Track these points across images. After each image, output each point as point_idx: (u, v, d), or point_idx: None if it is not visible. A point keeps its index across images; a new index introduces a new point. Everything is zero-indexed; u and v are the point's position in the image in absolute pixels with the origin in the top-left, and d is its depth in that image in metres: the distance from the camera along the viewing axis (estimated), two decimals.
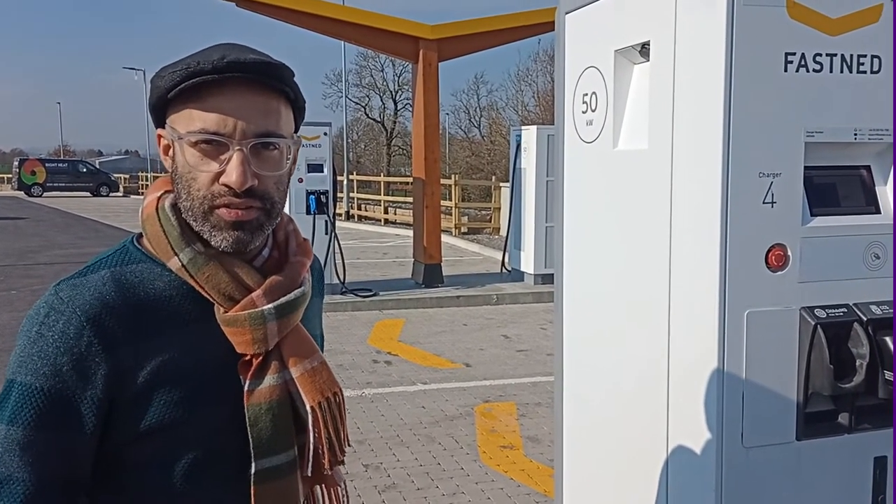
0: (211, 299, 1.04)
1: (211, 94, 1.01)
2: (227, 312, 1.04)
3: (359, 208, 23.40)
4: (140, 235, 1.10)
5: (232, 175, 1.00)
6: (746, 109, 1.64)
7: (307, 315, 1.15)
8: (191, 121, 1.02)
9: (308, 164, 9.33)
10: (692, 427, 1.77)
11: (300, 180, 9.29)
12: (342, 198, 21.80)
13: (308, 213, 9.30)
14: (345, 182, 22.31)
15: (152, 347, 1.01)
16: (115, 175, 42.04)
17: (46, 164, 39.49)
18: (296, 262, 1.11)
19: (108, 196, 38.09)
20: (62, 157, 52.27)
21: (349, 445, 1.15)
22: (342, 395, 1.12)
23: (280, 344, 1.07)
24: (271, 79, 1.04)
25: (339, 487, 1.18)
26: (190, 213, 1.04)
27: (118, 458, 1.02)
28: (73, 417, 0.98)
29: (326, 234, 9.37)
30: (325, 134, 9.46)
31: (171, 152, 1.06)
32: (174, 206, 1.06)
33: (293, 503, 1.10)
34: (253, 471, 1.05)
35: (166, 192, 1.09)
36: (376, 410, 5.49)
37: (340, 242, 9.69)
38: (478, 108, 42.74)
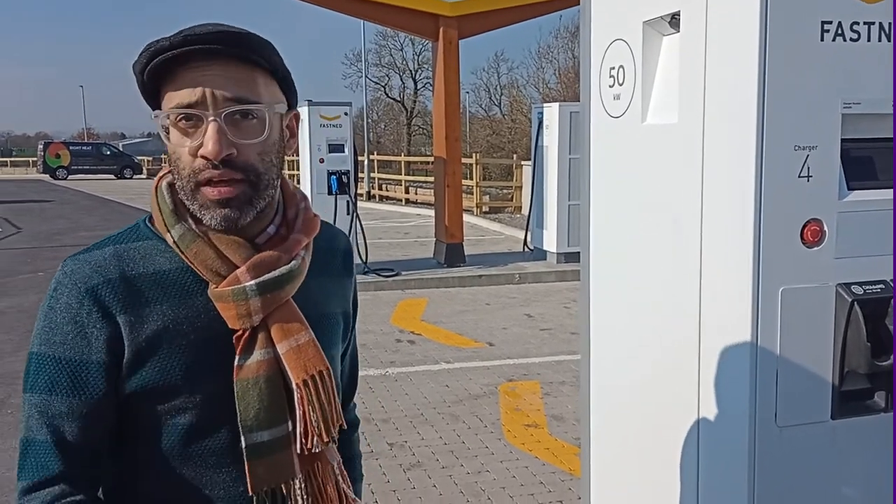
0: (201, 275, 1.08)
1: (180, 70, 1.02)
2: (216, 287, 1.08)
3: (380, 188, 23.40)
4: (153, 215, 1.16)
5: (208, 145, 1.02)
6: (781, 80, 1.59)
7: (320, 293, 1.17)
8: (168, 100, 1.04)
9: (329, 145, 9.32)
10: (724, 406, 1.74)
11: (321, 161, 9.30)
12: (363, 178, 21.80)
13: (329, 193, 9.32)
14: (365, 162, 22.30)
15: (149, 316, 1.06)
16: (139, 157, 42.40)
17: (70, 147, 39.92)
18: (292, 239, 1.13)
19: (131, 178, 38.45)
20: (86, 140, 52.76)
21: (340, 426, 1.13)
22: (329, 373, 1.11)
23: (267, 319, 1.08)
24: (235, 48, 1.03)
25: (331, 466, 1.17)
26: (182, 193, 1.07)
27: (124, 420, 1.09)
28: (81, 381, 1.05)
29: (348, 214, 9.38)
30: (346, 114, 9.44)
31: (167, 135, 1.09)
32: (171, 185, 1.11)
33: (287, 478, 1.10)
34: (243, 445, 1.07)
35: (168, 171, 1.13)
36: (400, 389, 5.51)
37: (362, 222, 9.70)
38: (498, 87, 42.39)
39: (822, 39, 1.60)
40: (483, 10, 10.21)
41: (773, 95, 1.59)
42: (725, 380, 1.73)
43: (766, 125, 1.59)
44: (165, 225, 1.09)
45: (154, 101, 1.08)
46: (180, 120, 1.04)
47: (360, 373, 5.86)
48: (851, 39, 1.62)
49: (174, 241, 1.08)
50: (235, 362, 1.07)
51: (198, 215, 1.07)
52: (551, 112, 10.16)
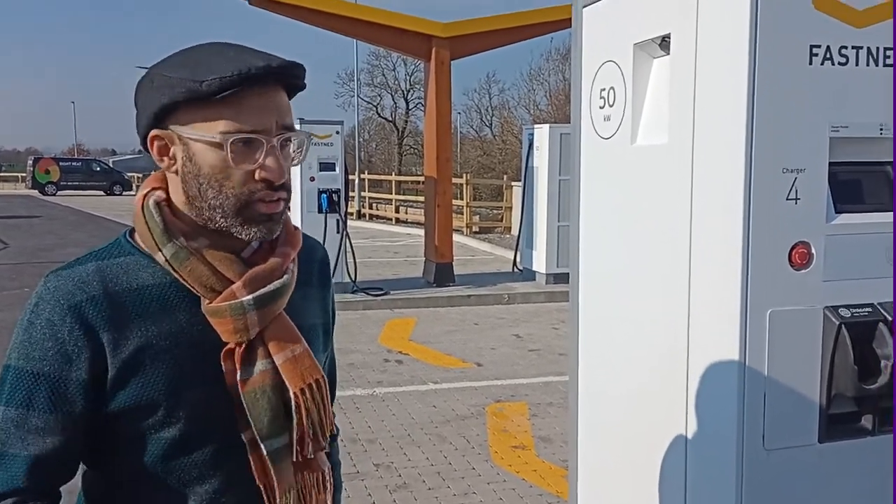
0: (195, 291, 1.10)
1: (250, 95, 1.05)
2: (210, 303, 1.09)
3: (370, 207, 23.41)
4: (133, 230, 1.16)
5: (273, 170, 1.07)
6: (770, 103, 1.60)
7: (303, 304, 1.20)
8: (227, 123, 1.05)
9: (320, 163, 9.32)
10: (711, 428, 1.73)
11: (312, 179, 9.29)
12: (354, 197, 21.80)
13: (320, 211, 9.30)
14: (356, 181, 22.32)
15: (132, 333, 1.07)
16: (129, 174, 42.20)
17: (60, 163, 39.72)
18: (279, 253, 1.15)
19: (121, 195, 38.26)
20: (76, 156, 52.60)
21: (333, 432, 1.19)
22: (325, 381, 1.15)
23: (263, 333, 1.11)
24: (299, 79, 1.11)
25: (321, 473, 1.20)
26: (217, 210, 1.08)
27: (106, 435, 1.10)
28: (59, 398, 1.05)
29: (338, 232, 9.36)
30: (337, 133, 9.45)
31: (172, 153, 1.09)
32: (157, 204, 1.11)
33: (293, 484, 1.15)
34: (265, 452, 1.10)
35: (152, 189, 1.13)
36: (387, 410, 5.47)
37: (352, 241, 9.68)
38: (489, 108, 42.67)
39: (810, 63, 1.62)
40: (475, 32, 10.29)
41: (762, 118, 1.60)
42: (713, 402, 1.72)
43: (755, 147, 1.60)
44: (156, 243, 1.09)
45: (163, 116, 1.08)
46: (238, 142, 1.06)
47: (348, 392, 5.84)
48: (840, 63, 1.64)
49: (166, 260, 1.09)
50: (238, 376, 1.09)
51: (234, 230, 1.09)
52: (542, 133, 10.22)
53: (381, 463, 4.49)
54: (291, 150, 1.13)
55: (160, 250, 1.09)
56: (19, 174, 50.79)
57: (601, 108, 2.07)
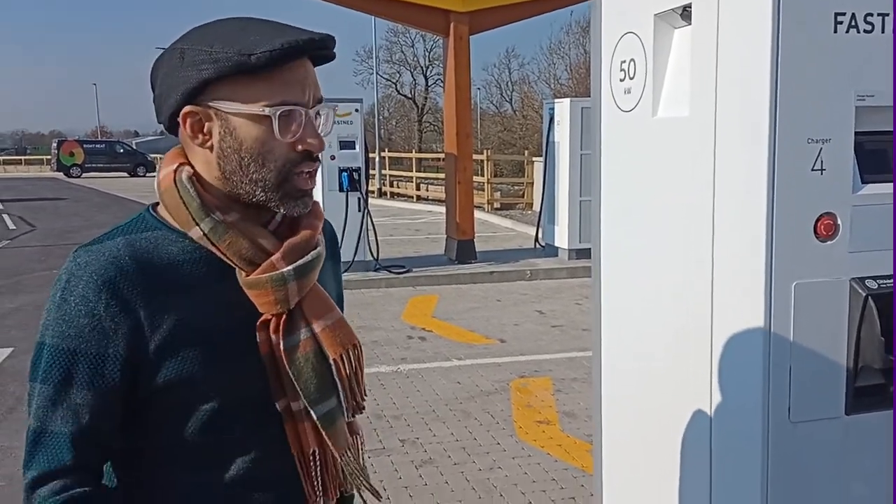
0: (232, 264, 1.10)
1: (291, 68, 1.07)
2: (248, 276, 1.10)
3: (391, 185, 23.41)
4: (156, 204, 1.16)
5: (314, 140, 1.09)
6: (794, 72, 1.57)
7: (322, 277, 1.21)
8: (269, 94, 1.06)
9: (340, 141, 9.32)
10: (737, 401, 1.73)
11: (332, 157, 9.30)
12: (374, 175, 21.81)
13: (341, 190, 9.32)
14: (376, 159, 22.31)
15: (167, 307, 1.07)
16: (152, 155, 42.56)
17: (84, 146, 40.20)
18: (308, 225, 1.16)
19: (144, 176, 38.63)
20: (99, 138, 53.13)
21: (365, 396, 1.22)
22: (360, 348, 1.19)
23: (300, 302, 1.13)
24: (332, 51, 1.13)
25: (357, 436, 1.25)
26: (259, 185, 1.09)
27: (144, 410, 1.10)
28: (98, 374, 1.05)
29: (359, 210, 9.38)
30: (357, 111, 9.44)
31: (208, 128, 1.08)
32: (191, 178, 1.11)
33: (346, 446, 1.19)
34: (315, 417, 1.13)
35: (181, 164, 1.12)
36: (412, 386, 5.51)
37: (373, 219, 9.71)
38: (509, 83, 42.29)
39: (835, 31, 1.59)
40: (494, 6, 10.18)
41: (786, 87, 1.57)
42: (738, 375, 1.72)
43: (779, 118, 1.58)
44: (193, 218, 1.09)
45: (199, 91, 1.07)
46: (282, 115, 1.07)
47: (372, 369, 5.90)
48: (865, 31, 1.60)
49: (204, 234, 1.09)
50: (282, 345, 1.11)
51: (272, 205, 1.10)
52: (562, 108, 10.13)
53: (407, 439, 4.53)
54: (321, 123, 1.14)
55: (197, 225, 1.09)
56: (44, 157, 51.42)
57: (621, 80, 2.04)
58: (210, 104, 1.07)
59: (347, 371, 1.15)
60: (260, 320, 1.12)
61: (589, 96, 2.29)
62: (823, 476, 1.70)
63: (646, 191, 2.00)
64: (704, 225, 1.76)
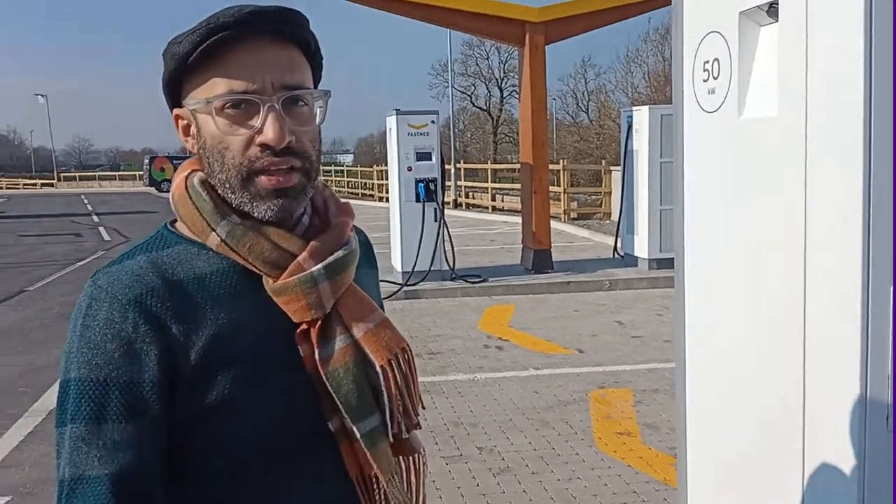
0: (257, 270, 1.00)
1: (233, 52, 0.96)
2: (275, 282, 0.99)
3: (466, 196, 23.50)
4: (174, 220, 1.07)
5: (269, 133, 0.96)
6: (889, 67, 1.50)
7: (361, 285, 1.08)
8: (215, 86, 0.97)
9: (416, 153, 9.44)
10: (832, 410, 1.66)
11: (409, 169, 9.42)
12: (450, 186, 21.95)
13: (417, 200, 9.43)
14: (452, 171, 22.45)
15: (201, 325, 0.97)
16: None
17: (174, 161, 41.90)
18: (338, 223, 1.06)
19: None
20: (188, 154, 55.21)
21: (423, 407, 1.09)
22: (411, 351, 1.06)
23: (337, 306, 1.01)
24: (293, 26, 1.00)
25: (418, 455, 1.11)
26: (227, 186, 1.00)
27: (181, 443, 0.98)
28: (134, 404, 0.93)
29: (435, 221, 9.46)
30: (433, 122, 9.54)
31: (192, 130, 1.03)
32: (204, 182, 1.02)
33: (392, 468, 1.06)
34: (359, 435, 1.01)
35: (193, 170, 1.05)
36: (489, 394, 5.50)
37: (449, 229, 9.77)
38: (585, 92, 41.99)
39: None
40: (569, 15, 10.12)
41: (881, 83, 1.50)
42: (834, 383, 1.65)
43: (874, 116, 1.51)
44: (209, 224, 1.00)
45: (177, 90, 1.02)
46: (229, 107, 0.97)
47: (450, 377, 5.96)
48: None
49: (221, 240, 0.99)
50: (317, 355, 1.00)
51: (246, 208, 0.99)
52: (641, 115, 9.96)
53: (485, 447, 4.52)
54: (307, 113, 1.01)
55: (214, 230, 0.99)
56: (137, 172, 53.93)
57: (705, 81, 2.00)
58: (185, 103, 1.02)
59: (398, 379, 1.03)
60: (299, 331, 1.00)
61: (668, 104, 2.25)
62: None
63: (732, 194, 1.94)
64: (796, 229, 1.70)
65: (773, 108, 1.75)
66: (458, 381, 5.82)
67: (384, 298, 7.16)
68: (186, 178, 1.04)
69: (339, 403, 1.00)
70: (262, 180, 0.98)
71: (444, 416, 5.07)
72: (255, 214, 1.00)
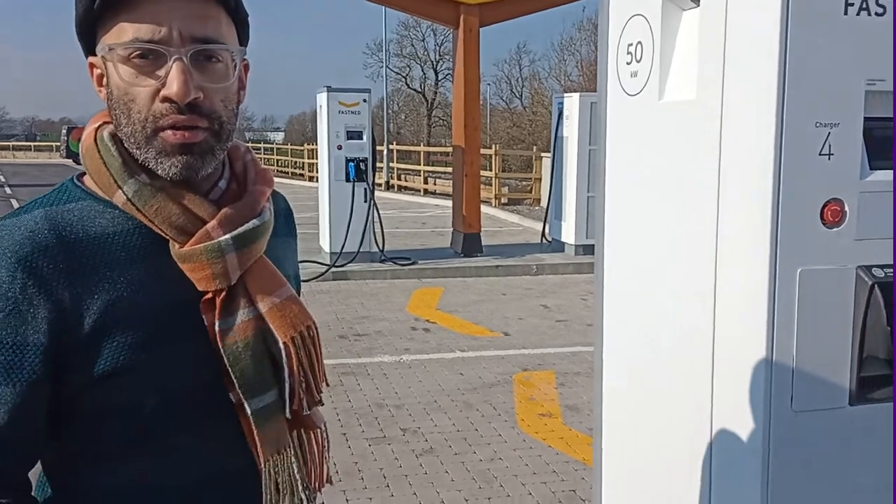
0: (163, 234, 0.96)
1: (142, 1, 0.92)
2: (182, 248, 0.96)
3: (399, 178, 23.40)
4: (82, 174, 1.02)
5: (173, 86, 0.91)
6: (803, 56, 1.54)
7: (277, 254, 1.07)
8: (122, 33, 0.92)
9: (347, 131, 9.31)
10: (738, 390, 1.70)
11: (339, 147, 9.29)
12: (382, 168, 21.80)
13: (347, 180, 9.32)
14: (384, 152, 22.30)
15: (97, 287, 0.93)
16: None
17: None
18: (254, 191, 1.03)
19: None
20: None
21: (327, 384, 1.08)
22: (316, 328, 1.04)
23: (244, 277, 0.99)
24: None
25: (318, 430, 1.11)
26: (132, 140, 0.95)
27: (76, 408, 0.95)
28: (16, 366, 0.89)
29: (365, 201, 9.37)
30: (364, 101, 9.43)
31: (104, 81, 0.98)
32: (114, 136, 0.98)
33: (284, 445, 1.04)
34: (249, 412, 0.99)
35: (105, 122, 1.00)
36: (414, 376, 5.50)
37: (380, 211, 9.69)
38: (520, 79, 42.28)
39: (845, 13, 1.55)
40: None
41: (795, 71, 1.54)
42: (740, 364, 1.69)
43: (787, 101, 1.55)
44: (115, 181, 0.95)
45: (91, 36, 0.98)
46: (135, 56, 0.92)
47: (375, 359, 5.92)
48: (877, 14, 1.57)
49: (128, 199, 0.95)
50: (217, 326, 0.97)
51: (152, 165, 0.95)
52: (572, 102, 10.09)
53: (408, 428, 4.52)
54: (222, 70, 0.97)
55: (120, 188, 0.95)
56: (54, 143, 51.66)
57: (628, 63, 2.01)
58: (97, 51, 0.97)
59: (301, 356, 1.01)
60: (204, 299, 0.98)
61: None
62: (825, 466, 1.67)
63: (650, 176, 1.97)
64: (709, 210, 1.73)
65: (691, 91, 1.77)
66: (383, 362, 5.80)
67: (311, 280, 7.06)
68: (97, 130, 1.00)
69: (233, 377, 0.98)
70: (167, 135, 0.94)
71: (368, 397, 5.04)
72: (159, 171, 0.95)
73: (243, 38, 1.03)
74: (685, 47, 1.85)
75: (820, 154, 1.58)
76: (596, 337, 2.31)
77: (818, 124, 1.57)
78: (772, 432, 1.64)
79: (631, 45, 1.99)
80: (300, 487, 1.06)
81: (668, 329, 1.93)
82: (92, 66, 1.00)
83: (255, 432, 1.00)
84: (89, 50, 0.99)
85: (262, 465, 1.02)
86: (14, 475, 0.93)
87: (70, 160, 38.65)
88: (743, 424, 1.69)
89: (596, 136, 9.85)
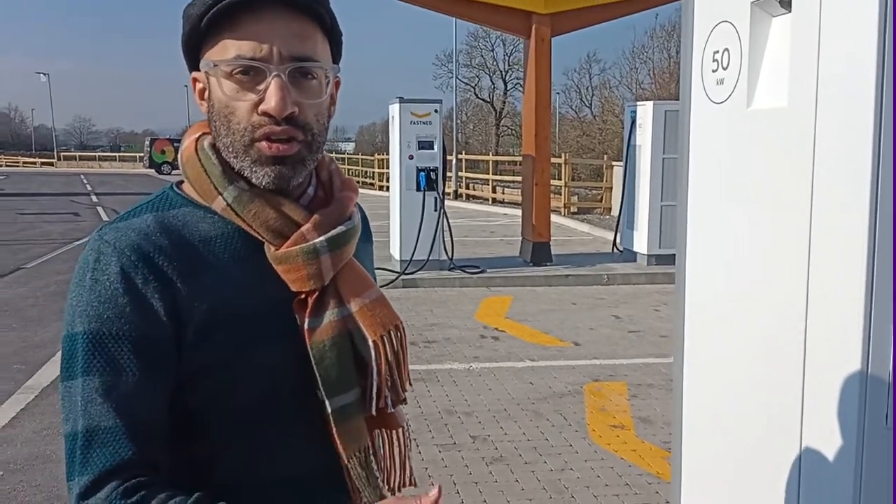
0: (260, 237, 1.01)
1: (245, 19, 0.97)
2: (277, 250, 1.01)
3: (467, 187, 23.47)
4: (180, 182, 1.08)
5: (271, 101, 0.96)
6: None
7: (358, 257, 1.10)
8: (225, 50, 0.98)
9: (419, 141, 9.41)
10: (830, 407, 1.65)
11: (410, 157, 9.39)
12: (451, 177, 21.91)
13: (418, 189, 9.41)
14: (453, 161, 22.41)
15: (205, 285, 0.98)
16: None
17: (175, 144, 41.91)
18: (342, 197, 1.08)
19: None
20: None
21: (410, 385, 1.11)
22: (404, 329, 1.08)
23: (336, 279, 1.03)
24: (313, 1, 1.00)
25: (401, 429, 1.14)
26: (230, 150, 1.01)
27: (176, 399, 0.98)
28: (147, 357, 0.94)
29: (435, 210, 9.44)
30: (436, 111, 9.51)
31: (206, 95, 1.04)
32: (213, 146, 1.03)
33: (365, 444, 1.07)
34: (329, 410, 1.02)
35: (204, 133, 1.06)
36: (483, 384, 5.50)
37: (449, 219, 9.74)
38: (589, 87, 41.91)
39: None
40: (576, 7, 10.08)
41: (894, 76, 1.49)
42: (833, 380, 1.63)
43: (884, 107, 1.49)
44: (216, 188, 1.01)
45: (196, 52, 1.03)
46: (237, 72, 0.98)
47: (445, 366, 5.96)
48: None
49: (227, 204, 1.01)
50: (306, 325, 1.01)
51: (246, 173, 1.01)
52: (645, 110, 9.93)
53: (478, 436, 4.52)
54: (316, 86, 1.01)
55: (220, 195, 1.01)
56: (137, 154, 53.83)
57: (714, 71, 1.98)
58: (201, 66, 1.02)
59: (389, 355, 1.04)
60: (296, 300, 1.02)
61: (672, 100, 2.23)
62: None
63: (736, 186, 1.93)
64: (801, 222, 1.69)
65: (782, 99, 1.73)
66: (453, 369, 5.82)
67: (381, 287, 7.18)
68: (197, 140, 1.06)
69: (318, 375, 1.01)
70: (263, 146, 0.99)
71: (438, 404, 5.07)
72: (254, 180, 1.01)
73: (336, 56, 1.08)
74: (775, 54, 1.81)
75: None
76: (676, 349, 2.27)
77: None
78: (865, 450, 1.57)
79: (717, 52, 1.96)
80: (376, 485, 1.08)
81: (756, 342, 1.88)
82: (195, 80, 1.05)
83: (334, 430, 1.03)
84: (193, 65, 1.05)
85: (346, 461, 1.05)
86: (155, 457, 0.94)
87: (153, 170, 40.21)
88: (834, 441, 1.63)
89: (670, 144, 9.70)
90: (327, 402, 1.02)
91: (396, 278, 9.04)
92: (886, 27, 1.48)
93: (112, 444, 0.90)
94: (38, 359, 6.18)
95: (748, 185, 1.87)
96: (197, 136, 1.06)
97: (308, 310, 1.02)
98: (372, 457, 1.08)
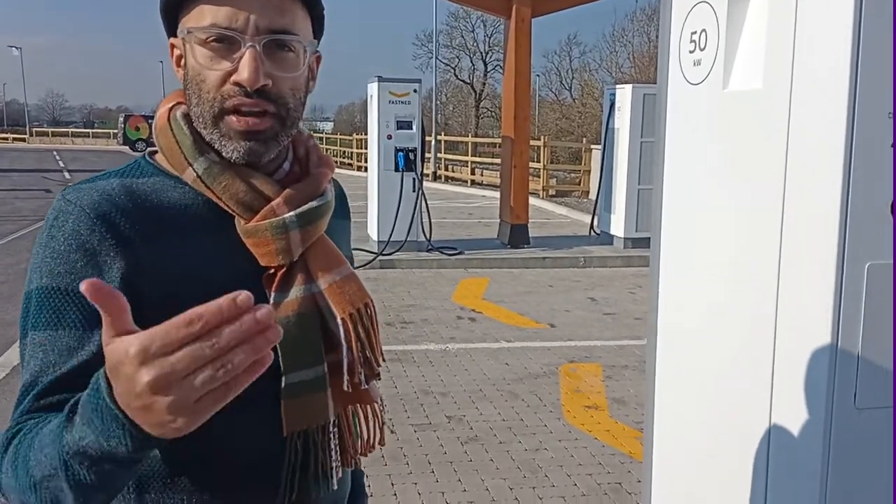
0: (229, 210, 1.00)
1: None
2: (247, 223, 1.00)
3: (446, 169, 23.42)
4: (153, 152, 1.07)
5: (244, 72, 0.95)
6: (878, 43, 1.49)
7: (333, 235, 1.09)
8: (201, 17, 0.96)
9: (397, 121, 9.35)
10: (800, 387, 1.67)
11: (389, 137, 9.34)
12: (429, 158, 21.84)
13: (396, 169, 9.36)
14: (432, 142, 22.33)
15: (169, 253, 0.96)
16: None
17: (150, 121, 41.26)
18: (317, 173, 1.07)
19: None
20: None
21: (383, 360, 1.10)
22: (374, 306, 1.07)
23: (305, 255, 1.02)
24: None
25: (375, 404, 1.13)
26: (200, 120, 0.99)
27: None
28: (92, 313, 0.89)
29: (413, 191, 9.41)
30: (415, 91, 9.44)
31: (182, 62, 1.02)
32: (186, 116, 1.02)
33: (321, 420, 1.04)
34: (283, 385, 1.00)
35: (178, 102, 1.04)
36: (459, 365, 5.52)
37: (427, 201, 9.72)
38: (570, 70, 41.87)
39: None
40: None
41: (868, 59, 1.49)
42: (803, 359, 1.65)
43: (859, 91, 1.50)
44: (186, 159, 1.00)
45: (174, 18, 1.01)
46: (212, 40, 0.96)
47: (421, 346, 5.95)
48: None
49: (197, 176, 0.99)
50: (272, 299, 1.00)
51: (217, 146, 0.99)
52: (624, 93, 9.95)
53: (454, 416, 4.54)
54: (293, 60, 1.00)
55: (190, 165, 0.99)
56: (111, 131, 53.05)
57: (691, 52, 1.98)
58: (178, 33, 1.01)
59: (360, 332, 1.04)
60: (266, 274, 1.01)
61: (652, 83, 2.22)
62: (888, 464, 1.63)
63: (712, 166, 1.93)
64: (774, 202, 1.70)
65: (758, 80, 1.73)
66: (429, 350, 5.83)
67: (359, 267, 7.07)
68: (170, 109, 1.04)
69: (279, 350, 0.98)
70: (232, 120, 0.98)
71: (414, 384, 5.08)
72: (224, 154, 0.99)
73: (318, 32, 1.06)
74: (752, 35, 1.81)
75: (892, 146, 1.53)
76: (649, 330, 2.29)
77: (891, 115, 1.52)
78: (833, 430, 1.60)
79: (695, 32, 1.96)
80: (329, 462, 1.05)
81: (728, 323, 1.89)
82: (172, 46, 1.03)
83: (282, 406, 1.01)
84: (171, 31, 1.03)
85: (287, 440, 1.02)
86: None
87: (127, 147, 39.63)
88: (803, 421, 1.66)
89: (649, 128, 9.72)
90: (283, 378, 1.00)
91: (374, 259, 9.02)
92: (862, 10, 1.48)
93: (47, 389, 0.88)
94: (10, 336, 6.10)
95: (724, 166, 1.88)
96: (171, 105, 1.04)
97: (275, 284, 1.01)
98: (331, 435, 1.05)
